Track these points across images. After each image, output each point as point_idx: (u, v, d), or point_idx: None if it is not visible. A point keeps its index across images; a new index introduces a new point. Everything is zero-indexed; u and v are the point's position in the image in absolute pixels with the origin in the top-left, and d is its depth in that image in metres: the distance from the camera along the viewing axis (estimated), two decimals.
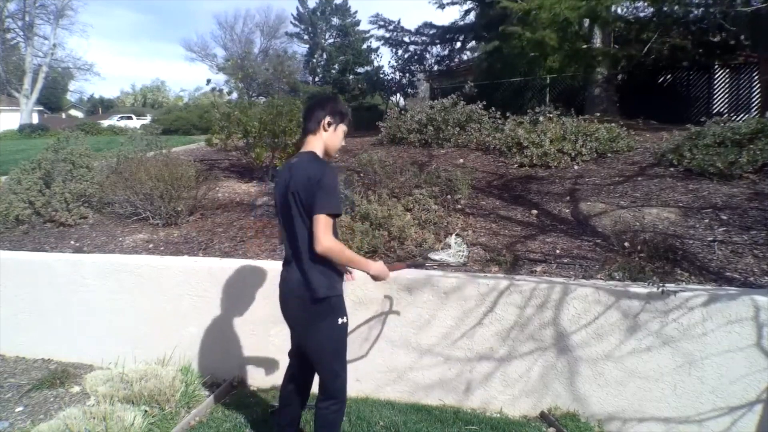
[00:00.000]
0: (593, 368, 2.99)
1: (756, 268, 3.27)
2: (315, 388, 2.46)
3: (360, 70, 22.22)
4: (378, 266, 2.34)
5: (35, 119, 32.02)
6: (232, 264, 3.66)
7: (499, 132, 6.85)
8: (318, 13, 28.49)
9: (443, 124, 7.27)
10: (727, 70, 11.57)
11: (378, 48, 22.97)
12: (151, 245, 4.44)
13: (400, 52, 17.60)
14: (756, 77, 10.72)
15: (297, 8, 29.42)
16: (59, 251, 4.43)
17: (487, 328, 3.14)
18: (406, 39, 16.96)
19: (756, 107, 10.08)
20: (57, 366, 3.92)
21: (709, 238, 3.70)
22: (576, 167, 5.77)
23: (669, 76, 12.27)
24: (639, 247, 3.51)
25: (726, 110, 11.17)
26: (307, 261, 2.19)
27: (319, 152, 2.32)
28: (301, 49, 29.98)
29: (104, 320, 3.87)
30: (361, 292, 3.28)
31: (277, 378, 3.14)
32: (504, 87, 13.11)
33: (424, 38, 16.66)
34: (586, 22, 9.43)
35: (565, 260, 3.60)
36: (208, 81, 9.22)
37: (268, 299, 3.40)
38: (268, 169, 6.39)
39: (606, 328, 2.94)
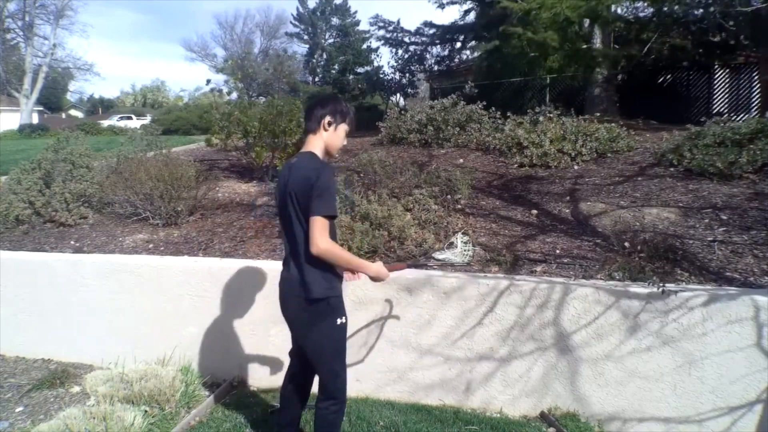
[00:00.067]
0: (593, 368, 2.99)
1: (756, 268, 3.27)
2: (315, 388, 2.46)
3: (360, 70, 22.22)
4: (376, 267, 2.33)
5: (35, 119, 32.02)
6: (232, 264, 3.66)
7: (499, 132, 6.85)
8: (318, 13, 28.49)
9: (443, 124, 7.27)
10: (727, 70, 11.57)
11: (378, 48, 23.01)
12: (151, 245, 4.44)
13: (400, 52, 17.61)
14: (756, 77, 10.73)
15: (297, 8, 29.44)
16: (59, 251, 4.43)
17: (487, 328, 3.14)
18: (406, 39, 16.96)
19: (756, 107, 10.08)
20: (57, 366, 3.92)
21: (709, 238, 3.70)
22: (576, 167, 5.77)
23: (669, 76, 12.28)
24: (639, 247, 3.51)
25: (726, 110, 11.17)
26: (306, 261, 2.18)
27: (319, 152, 2.31)
28: (301, 49, 30.01)
29: (104, 320, 3.87)
30: (361, 292, 3.28)
31: (278, 378, 3.14)
32: (504, 87, 13.11)
33: (424, 38, 16.66)
34: (586, 22, 9.44)
35: (565, 260, 3.60)
36: (208, 81, 9.22)
37: (268, 299, 3.40)
38: (268, 169, 6.39)
39: (606, 328, 2.94)
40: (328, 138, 2.32)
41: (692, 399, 2.84)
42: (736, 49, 10.93)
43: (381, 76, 19.38)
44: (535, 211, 4.63)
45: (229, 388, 3.55)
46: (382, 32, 16.98)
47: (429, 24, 15.69)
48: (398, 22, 16.75)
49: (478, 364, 3.18)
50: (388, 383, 3.35)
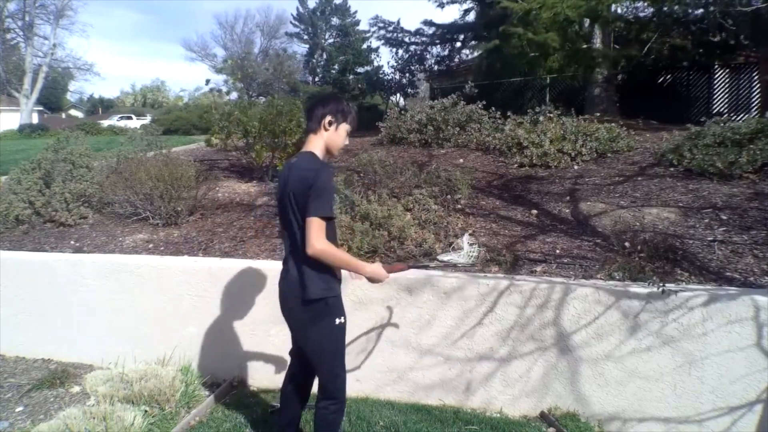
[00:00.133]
0: (593, 368, 2.99)
1: (756, 268, 3.27)
2: (315, 388, 2.46)
3: (360, 70, 22.23)
4: (373, 268, 2.32)
5: (35, 119, 32.02)
6: (232, 264, 3.67)
7: (499, 132, 6.85)
8: (318, 13, 28.51)
9: (443, 124, 7.27)
10: (727, 70, 11.57)
11: (378, 48, 23.04)
12: (151, 245, 4.44)
13: (400, 52, 17.62)
14: (756, 77, 10.73)
15: (297, 8, 29.46)
16: (59, 251, 4.43)
17: (487, 328, 3.14)
18: (406, 39, 16.96)
19: (756, 107, 10.08)
20: (57, 366, 3.92)
21: (709, 238, 3.70)
22: (576, 167, 5.77)
23: (669, 76, 12.28)
24: (639, 247, 3.51)
25: (726, 110, 11.17)
26: (304, 262, 2.18)
27: (319, 152, 2.31)
28: (301, 49, 30.02)
29: (104, 320, 3.87)
30: (361, 292, 3.28)
31: (278, 378, 3.14)
32: (504, 87, 13.11)
33: (424, 38, 16.66)
34: (587, 21, 9.44)
35: (565, 260, 3.60)
36: (207, 81, 9.18)
37: (268, 299, 3.40)
38: (268, 169, 6.39)
39: (606, 328, 2.94)
40: (329, 138, 2.31)
41: (692, 399, 2.84)
42: (736, 49, 10.93)
43: (381, 76, 19.38)
44: (535, 211, 4.63)
45: (229, 388, 3.55)
46: (382, 32, 17.00)
47: (429, 23, 15.67)
48: (398, 22, 16.77)
49: (478, 364, 3.18)
50: (388, 383, 3.35)
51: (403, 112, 8.23)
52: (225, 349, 3.64)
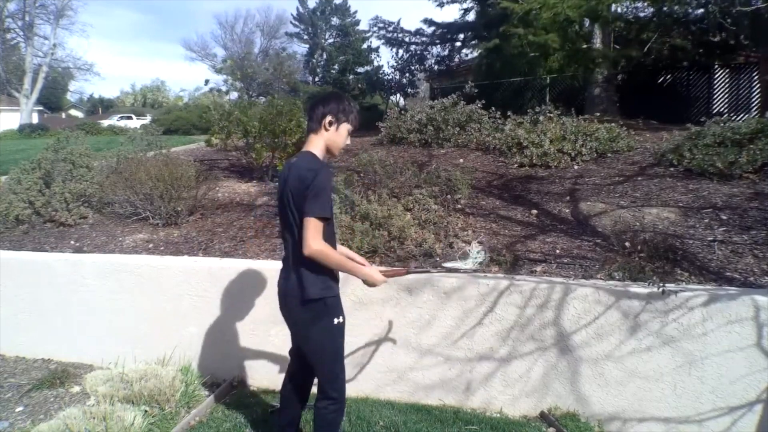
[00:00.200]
0: (593, 368, 2.99)
1: (756, 268, 3.27)
2: (315, 388, 2.46)
3: (360, 70, 22.23)
4: (369, 272, 2.31)
5: (35, 119, 32.02)
6: (232, 264, 3.67)
7: (499, 132, 6.85)
8: (318, 13, 28.47)
9: (443, 124, 7.27)
10: (727, 70, 11.57)
11: (378, 48, 23.03)
12: (151, 245, 4.44)
13: (400, 52, 17.63)
14: (756, 77, 10.72)
15: (297, 8, 29.41)
16: (59, 251, 4.43)
17: (487, 328, 3.14)
18: (406, 39, 16.97)
19: (756, 107, 10.08)
20: (57, 366, 3.92)
21: (709, 238, 3.70)
22: (576, 167, 5.77)
23: (669, 76, 12.28)
24: (639, 247, 3.51)
25: (726, 110, 11.17)
26: (302, 262, 2.17)
27: (319, 151, 2.30)
28: (301, 49, 30.00)
29: (104, 320, 3.87)
30: (360, 292, 3.27)
31: (278, 378, 3.14)
32: (504, 87, 13.11)
33: (424, 38, 16.67)
34: (587, 21, 9.44)
35: (565, 260, 3.60)
36: (207, 81, 9.21)
37: (268, 299, 3.40)
38: (268, 168, 6.39)
39: (606, 328, 2.94)
40: (330, 137, 2.30)
41: (692, 399, 2.84)
42: (736, 49, 10.94)
43: (381, 76, 19.40)
44: (535, 211, 4.63)
45: (229, 388, 3.55)
46: (382, 32, 17.01)
47: (429, 21, 15.63)
48: (398, 22, 16.78)
49: (478, 364, 3.18)
50: (388, 383, 3.35)
51: (403, 112, 8.22)
52: (225, 349, 3.64)
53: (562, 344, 3.03)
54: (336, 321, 2.27)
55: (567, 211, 4.58)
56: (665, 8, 9.07)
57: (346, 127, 2.33)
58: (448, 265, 2.91)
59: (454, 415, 3.08)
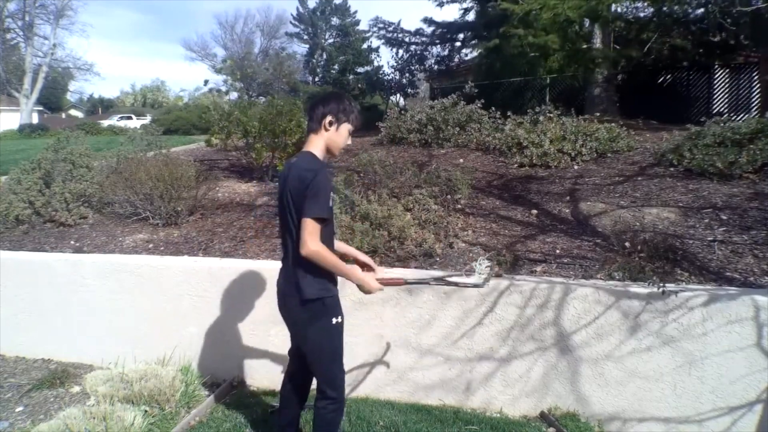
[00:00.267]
0: (593, 368, 2.99)
1: (756, 268, 3.27)
2: (314, 387, 2.46)
3: (360, 70, 22.24)
4: (362, 277, 2.29)
5: (35, 119, 32.02)
6: (232, 264, 3.67)
7: (499, 132, 6.85)
8: (318, 13, 28.48)
9: (443, 124, 7.27)
10: (727, 70, 11.57)
11: (378, 48, 23.04)
12: (151, 245, 4.44)
13: (400, 52, 17.63)
14: (756, 77, 10.72)
15: (297, 8, 29.42)
16: (59, 251, 4.43)
17: (487, 328, 3.14)
18: (406, 39, 16.96)
19: (756, 107, 10.08)
20: (57, 366, 3.92)
21: (709, 238, 3.70)
22: (576, 167, 5.77)
23: (669, 76, 12.28)
24: (639, 247, 3.51)
25: (726, 110, 11.17)
26: (300, 262, 2.16)
27: (319, 152, 2.30)
28: (301, 49, 30.00)
29: (104, 320, 3.87)
30: (360, 293, 3.26)
31: (277, 378, 3.13)
32: (504, 87, 13.10)
33: (423, 38, 16.66)
34: (587, 22, 9.44)
35: (565, 260, 3.60)
36: (206, 82, 9.22)
37: (268, 299, 3.40)
38: (268, 169, 6.39)
39: (606, 328, 2.94)
40: (330, 138, 2.30)
41: (692, 399, 2.84)
42: (736, 49, 10.94)
43: (381, 76, 19.40)
44: (535, 211, 4.63)
45: (229, 388, 3.55)
46: (382, 32, 17.00)
47: (428, 21, 15.58)
48: (399, 23, 16.78)
49: (478, 364, 3.18)
50: (388, 383, 3.35)
51: (403, 112, 8.22)
52: (225, 349, 3.64)
53: (562, 344, 3.03)
54: (334, 321, 2.27)
55: (567, 211, 4.58)
56: (665, 8, 9.07)
57: (346, 127, 2.33)
58: (452, 279, 2.81)
59: (454, 415, 3.08)
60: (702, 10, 9.31)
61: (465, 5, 14.53)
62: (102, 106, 51.34)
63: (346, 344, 2.39)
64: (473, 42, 14.88)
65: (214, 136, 6.62)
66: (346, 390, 2.40)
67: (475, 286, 2.69)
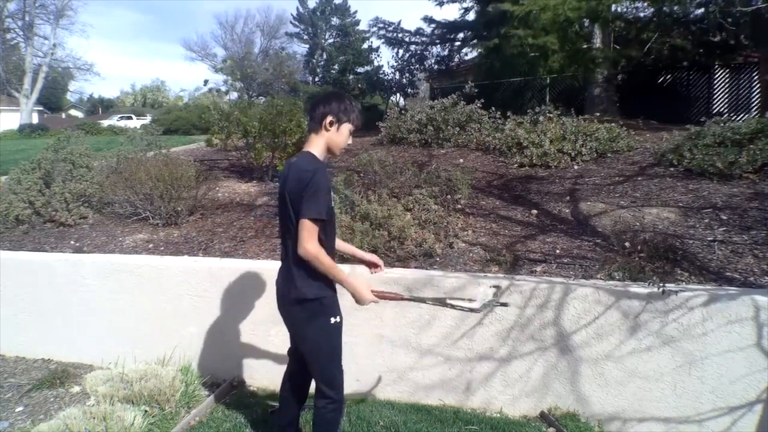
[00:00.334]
0: (593, 368, 2.99)
1: (756, 268, 3.27)
2: (314, 387, 2.46)
3: (360, 70, 22.24)
4: (355, 286, 2.25)
5: (35, 119, 32.02)
6: (232, 264, 3.67)
7: (499, 132, 6.85)
8: (318, 13, 28.48)
9: (443, 124, 7.27)
10: (727, 70, 11.57)
11: (378, 48, 23.03)
12: (151, 245, 4.44)
13: (400, 52, 17.63)
14: (756, 77, 10.72)
15: (297, 8, 29.42)
16: (59, 251, 4.43)
17: (487, 328, 3.14)
18: (406, 39, 16.96)
19: (756, 107, 10.08)
20: (57, 366, 3.92)
21: (709, 238, 3.69)
22: (576, 167, 5.77)
23: (669, 76, 12.28)
24: (639, 247, 3.51)
25: (726, 110, 11.17)
26: (299, 262, 2.16)
27: (319, 152, 2.29)
28: (301, 49, 30.00)
29: (104, 320, 3.87)
30: None
31: (277, 378, 3.13)
32: (504, 87, 13.10)
33: (423, 38, 16.66)
34: (587, 22, 9.43)
35: (565, 260, 3.60)
36: (206, 82, 9.22)
37: (268, 299, 3.40)
38: (268, 169, 6.39)
39: (606, 328, 2.94)
40: (330, 138, 2.29)
41: (692, 399, 2.84)
42: (736, 49, 10.94)
43: (381, 76, 19.40)
44: (535, 211, 4.63)
45: (229, 388, 3.55)
46: (382, 32, 17.01)
47: (428, 19, 15.56)
48: (399, 23, 16.78)
49: (478, 364, 3.18)
50: (388, 383, 3.35)
51: (403, 112, 8.22)
52: (225, 349, 3.64)
53: (562, 344, 3.03)
54: (333, 321, 2.27)
55: (567, 211, 4.58)
56: (665, 8, 9.07)
57: (347, 127, 2.32)
58: (454, 302, 2.74)
59: (454, 415, 3.08)
60: (702, 10, 9.31)
61: (465, 5, 14.55)
62: (102, 106, 51.33)
63: (346, 344, 2.39)
64: (473, 42, 14.88)
65: (214, 136, 6.62)
66: (346, 390, 2.40)
67: (471, 310, 2.62)
